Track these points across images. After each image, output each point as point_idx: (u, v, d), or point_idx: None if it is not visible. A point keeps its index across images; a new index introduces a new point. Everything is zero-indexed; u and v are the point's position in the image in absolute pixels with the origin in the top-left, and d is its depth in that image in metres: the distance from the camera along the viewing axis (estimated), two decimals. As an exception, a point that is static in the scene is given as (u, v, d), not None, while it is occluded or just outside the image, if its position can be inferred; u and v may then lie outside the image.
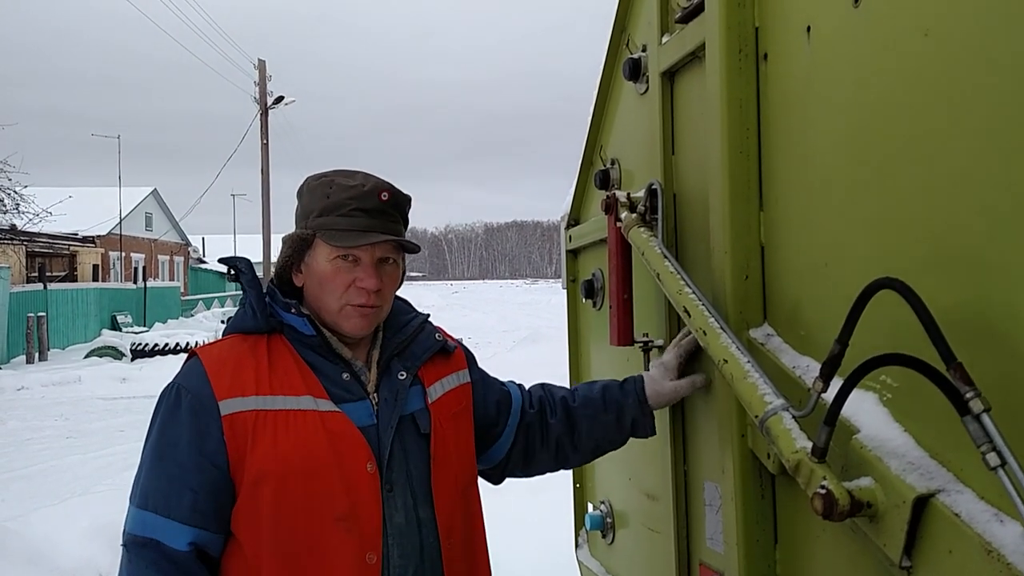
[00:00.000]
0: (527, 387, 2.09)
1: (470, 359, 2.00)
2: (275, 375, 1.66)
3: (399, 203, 1.76)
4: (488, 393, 1.99)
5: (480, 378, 2.00)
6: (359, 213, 1.70)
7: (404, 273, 1.86)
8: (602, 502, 2.66)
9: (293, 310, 1.72)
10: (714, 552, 1.80)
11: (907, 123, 1.20)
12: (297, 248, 1.75)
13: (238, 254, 1.87)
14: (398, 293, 1.87)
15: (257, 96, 26.10)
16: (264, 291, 1.76)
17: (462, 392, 1.90)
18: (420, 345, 1.85)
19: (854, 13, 1.31)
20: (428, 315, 1.95)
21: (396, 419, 1.71)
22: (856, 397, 1.22)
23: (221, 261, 1.89)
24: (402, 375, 1.78)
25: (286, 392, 1.65)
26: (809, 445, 1.21)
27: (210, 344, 1.76)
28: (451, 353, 1.92)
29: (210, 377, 1.65)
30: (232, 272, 1.77)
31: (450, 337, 1.94)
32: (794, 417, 1.28)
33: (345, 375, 1.72)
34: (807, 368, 1.41)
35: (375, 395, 1.74)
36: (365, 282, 1.69)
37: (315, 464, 1.61)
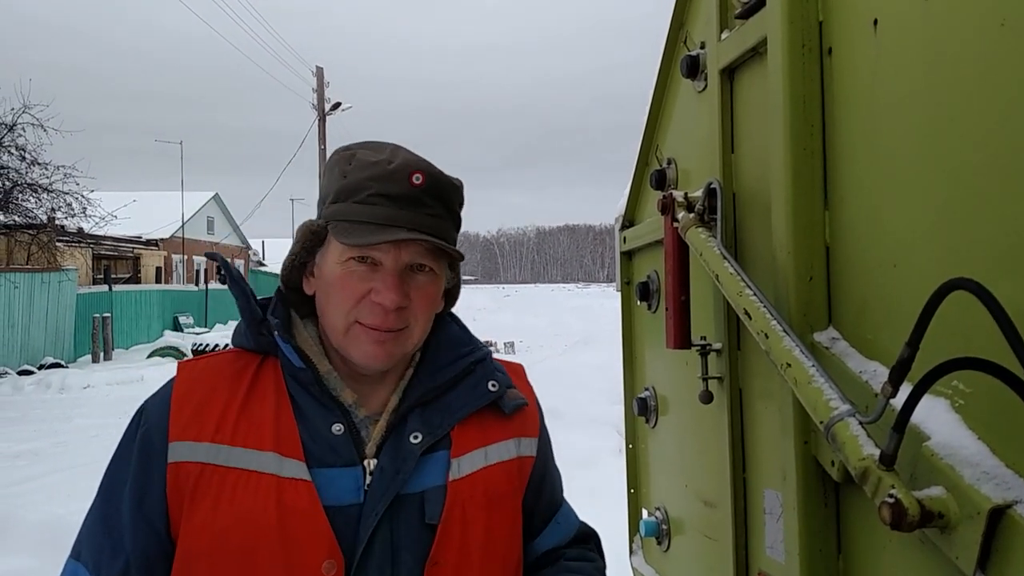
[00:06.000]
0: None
1: (543, 427, 1.47)
2: (244, 418, 1.25)
3: (440, 191, 1.29)
4: (544, 488, 1.46)
5: (545, 460, 1.46)
6: (381, 200, 1.25)
7: (457, 287, 1.42)
8: (657, 508, 2.61)
9: (277, 332, 1.29)
10: (774, 561, 1.75)
11: (981, 118, 1.15)
12: (308, 244, 1.32)
13: None
14: (454, 311, 1.42)
15: (315, 103, 26.65)
16: (262, 298, 1.36)
17: (516, 468, 1.38)
18: (460, 395, 1.35)
19: (924, 3, 1.26)
20: (489, 351, 1.43)
21: (389, 499, 1.23)
22: (926, 403, 1.17)
23: (208, 256, 1.52)
24: (416, 437, 1.28)
25: (247, 443, 1.23)
26: (877, 452, 1.16)
27: (196, 359, 1.35)
28: (514, 411, 1.39)
29: (172, 407, 1.26)
30: (221, 272, 1.38)
31: (525, 385, 1.43)
32: (861, 423, 1.23)
33: (336, 427, 1.26)
34: (874, 373, 1.36)
35: (372, 460, 1.26)
36: (382, 295, 1.24)
37: (255, 546, 1.18)
